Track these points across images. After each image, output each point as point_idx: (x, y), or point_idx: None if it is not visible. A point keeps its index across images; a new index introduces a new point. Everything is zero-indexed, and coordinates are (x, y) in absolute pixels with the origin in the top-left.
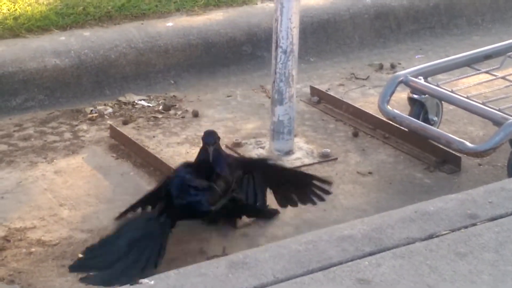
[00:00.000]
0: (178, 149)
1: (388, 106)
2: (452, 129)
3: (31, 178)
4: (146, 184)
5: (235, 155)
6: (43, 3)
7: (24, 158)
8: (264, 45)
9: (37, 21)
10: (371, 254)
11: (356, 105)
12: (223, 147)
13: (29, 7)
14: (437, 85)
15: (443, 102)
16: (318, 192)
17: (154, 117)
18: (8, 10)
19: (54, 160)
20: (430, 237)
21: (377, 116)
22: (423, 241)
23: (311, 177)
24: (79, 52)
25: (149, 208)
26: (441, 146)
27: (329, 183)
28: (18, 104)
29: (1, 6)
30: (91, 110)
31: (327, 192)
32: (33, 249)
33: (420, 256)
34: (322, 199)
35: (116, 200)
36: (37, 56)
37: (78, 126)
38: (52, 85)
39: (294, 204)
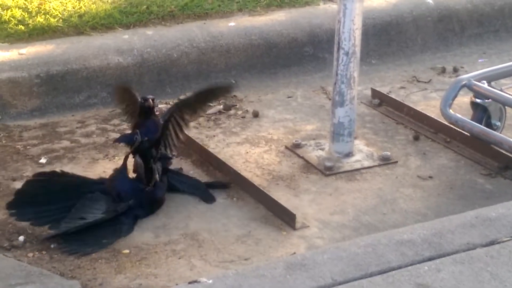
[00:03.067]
0: (238, 149)
1: (450, 110)
2: None
3: (92, 175)
4: None
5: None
6: (107, 1)
7: (86, 155)
8: (326, 46)
9: (101, 19)
10: (430, 259)
11: (418, 109)
12: (282, 148)
13: (94, 5)
14: (501, 90)
15: (506, 107)
16: None
17: (215, 116)
18: (73, 7)
19: (115, 157)
20: (491, 243)
21: (438, 120)
22: (484, 247)
23: None
24: (142, 50)
25: None
26: (503, 152)
27: None
28: (81, 101)
29: (66, 3)
30: None
31: None
32: None
33: (481, 262)
34: None
35: (176, 197)
36: (100, 54)
37: None
38: (115, 82)
39: None
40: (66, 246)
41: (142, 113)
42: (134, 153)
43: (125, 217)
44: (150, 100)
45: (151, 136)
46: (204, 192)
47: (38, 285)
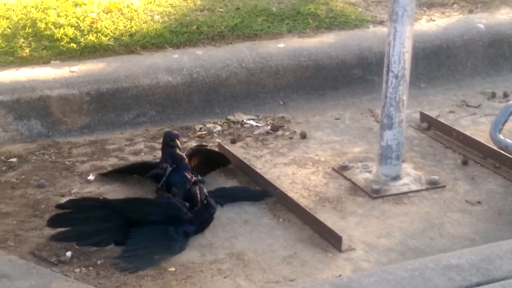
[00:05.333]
0: (285, 170)
1: (500, 135)
2: None
3: (140, 192)
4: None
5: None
6: (158, 21)
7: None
8: (375, 69)
9: (152, 39)
10: (478, 284)
11: (467, 133)
12: (329, 170)
13: (145, 24)
14: None
15: None
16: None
17: (262, 137)
18: (125, 27)
19: None
20: None
21: (488, 145)
22: None
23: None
24: (191, 70)
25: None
26: None
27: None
28: (130, 119)
29: (118, 22)
30: (201, 128)
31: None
32: None
33: None
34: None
35: (222, 216)
36: (150, 72)
37: (187, 143)
38: (164, 101)
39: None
40: (118, 261)
41: (166, 148)
42: (165, 185)
43: (177, 234)
44: (177, 141)
45: (179, 164)
46: (252, 193)
47: None
